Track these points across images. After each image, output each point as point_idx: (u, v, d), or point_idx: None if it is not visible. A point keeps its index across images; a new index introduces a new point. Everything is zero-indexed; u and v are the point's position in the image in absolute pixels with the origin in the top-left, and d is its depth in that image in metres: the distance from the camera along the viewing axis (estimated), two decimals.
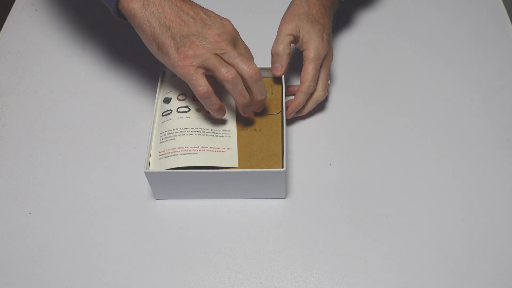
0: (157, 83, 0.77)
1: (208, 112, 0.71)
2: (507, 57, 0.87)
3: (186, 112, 0.71)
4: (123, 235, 0.71)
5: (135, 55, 0.89)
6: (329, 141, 0.79)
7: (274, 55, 0.76)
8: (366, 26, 0.92)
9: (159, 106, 0.73)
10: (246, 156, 0.70)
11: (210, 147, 0.69)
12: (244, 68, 0.67)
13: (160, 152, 0.69)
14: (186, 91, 0.73)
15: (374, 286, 0.66)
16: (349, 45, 0.89)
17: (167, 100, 0.73)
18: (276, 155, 0.70)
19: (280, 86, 0.77)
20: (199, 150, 0.68)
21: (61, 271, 0.68)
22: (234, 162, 0.69)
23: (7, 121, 0.83)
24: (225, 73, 0.65)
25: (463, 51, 0.89)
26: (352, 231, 0.70)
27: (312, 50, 0.75)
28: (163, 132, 0.70)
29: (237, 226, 0.71)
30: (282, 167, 0.68)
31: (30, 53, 0.91)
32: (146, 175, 0.69)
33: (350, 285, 0.66)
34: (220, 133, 0.71)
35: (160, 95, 0.75)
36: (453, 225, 0.70)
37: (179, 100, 0.72)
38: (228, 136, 0.71)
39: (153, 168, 0.68)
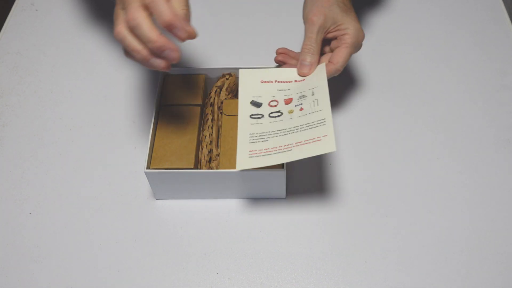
0: (157, 83, 0.77)
1: (301, 110, 0.69)
2: (507, 57, 0.87)
3: (278, 116, 0.70)
4: (123, 235, 0.71)
5: None
6: None
7: (305, 53, 0.73)
8: (365, 26, 0.92)
9: (245, 107, 0.71)
10: None
11: (305, 140, 0.66)
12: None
13: (250, 151, 0.66)
14: (277, 97, 0.72)
15: (374, 286, 0.66)
16: None
17: (257, 104, 0.71)
18: None
19: None
20: (293, 146, 0.66)
21: (61, 271, 0.68)
22: (332, 146, 0.64)
23: (7, 121, 0.83)
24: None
25: (463, 51, 0.89)
26: (352, 231, 0.70)
27: (352, 35, 0.72)
28: (253, 134, 0.68)
29: (237, 226, 0.71)
30: (282, 167, 0.68)
31: (30, 53, 0.91)
32: (146, 175, 0.69)
33: (350, 285, 0.66)
34: (314, 125, 0.67)
35: (243, 95, 0.72)
36: (454, 225, 0.70)
37: (271, 106, 0.71)
38: (323, 124, 0.67)
39: (241, 164, 0.65)
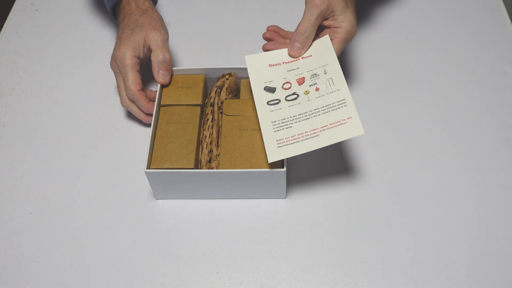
0: (158, 83, 0.77)
1: (317, 90, 0.69)
2: (508, 57, 0.87)
3: (295, 99, 0.69)
4: (123, 235, 0.71)
5: None
6: None
7: (300, 35, 0.72)
8: (366, 25, 0.92)
9: (260, 94, 0.71)
10: (246, 156, 0.70)
11: (330, 124, 0.66)
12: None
13: (277, 140, 0.66)
14: (289, 79, 0.71)
15: (374, 286, 0.66)
16: (350, 45, 0.89)
17: (271, 90, 0.71)
18: None
19: None
20: (320, 131, 0.66)
21: (61, 271, 0.68)
22: (359, 130, 0.65)
23: (7, 121, 0.83)
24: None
25: (463, 51, 0.89)
26: (352, 231, 0.70)
27: (345, 31, 0.73)
28: (275, 121, 0.68)
29: (237, 226, 0.71)
30: (282, 167, 0.68)
31: (30, 53, 0.91)
32: (146, 175, 0.69)
33: (350, 285, 0.66)
34: (335, 106, 0.67)
35: (255, 82, 0.72)
36: (454, 225, 0.70)
37: (285, 89, 0.71)
38: (344, 105, 0.67)
39: (272, 156, 0.65)
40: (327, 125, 0.66)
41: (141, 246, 0.70)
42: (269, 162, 0.65)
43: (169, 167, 0.69)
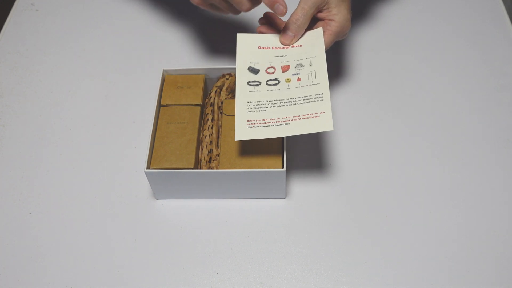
0: (158, 83, 0.77)
1: (298, 80, 0.69)
2: (507, 57, 0.87)
3: (275, 84, 0.70)
4: (123, 235, 0.71)
5: (135, 55, 0.89)
6: (329, 141, 0.79)
7: (292, 23, 0.72)
8: (363, 25, 0.92)
9: (242, 73, 0.71)
10: (246, 156, 0.70)
11: (302, 115, 0.66)
12: None
13: (248, 120, 0.67)
14: (274, 64, 0.72)
15: (374, 286, 0.66)
16: (348, 45, 0.89)
17: (254, 71, 0.71)
18: (276, 155, 0.70)
19: None
20: (291, 120, 0.66)
21: (61, 271, 0.68)
22: (329, 125, 0.65)
23: (7, 121, 0.83)
24: None
25: (463, 51, 0.89)
26: (352, 231, 0.70)
27: (338, 24, 0.72)
28: (251, 102, 0.69)
29: (237, 226, 0.71)
30: (282, 167, 0.68)
31: (30, 53, 0.91)
32: (146, 175, 0.69)
33: (350, 285, 0.66)
34: (312, 99, 0.68)
35: (241, 61, 0.73)
36: (453, 225, 0.70)
37: (268, 73, 0.71)
38: (321, 100, 0.67)
39: (240, 135, 0.66)
40: (299, 116, 0.67)
41: (141, 246, 0.70)
42: (235, 139, 0.66)
43: (169, 167, 0.69)
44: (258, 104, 0.68)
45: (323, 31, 0.73)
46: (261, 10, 0.76)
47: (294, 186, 0.74)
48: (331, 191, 0.74)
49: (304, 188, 0.74)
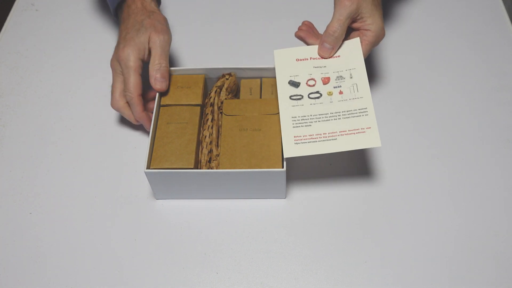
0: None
1: (340, 93, 0.70)
2: (507, 57, 0.87)
3: (318, 98, 0.70)
4: (123, 235, 0.71)
5: None
6: None
7: (329, 35, 0.72)
8: None
9: (283, 87, 0.71)
10: (246, 156, 0.70)
11: (349, 130, 0.67)
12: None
13: (295, 136, 0.68)
14: (314, 76, 0.72)
15: (374, 286, 0.66)
16: None
17: (295, 84, 0.71)
18: (276, 155, 0.70)
19: None
20: (338, 135, 0.67)
21: (61, 271, 0.68)
22: (376, 141, 0.66)
23: (7, 121, 0.83)
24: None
25: (463, 51, 0.89)
26: (352, 231, 0.70)
27: (374, 34, 0.73)
28: (295, 117, 0.69)
29: (237, 226, 0.71)
30: (282, 167, 0.68)
31: (30, 53, 0.91)
32: (146, 175, 0.69)
33: (350, 285, 0.66)
34: (356, 113, 0.68)
35: (281, 75, 0.73)
36: (453, 225, 0.70)
37: (309, 85, 0.71)
38: (365, 115, 0.68)
39: (288, 152, 0.66)
40: (345, 131, 0.67)
41: (141, 246, 0.70)
42: (285, 157, 0.67)
43: (169, 167, 0.69)
44: (303, 119, 0.69)
45: (361, 42, 0.73)
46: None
47: (294, 186, 0.74)
48: (331, 191, 0.74)
49: (304, 188, 0.74)
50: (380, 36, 0.74)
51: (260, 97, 0.77)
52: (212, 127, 0.74)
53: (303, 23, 0.77)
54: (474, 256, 0.67)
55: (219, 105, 0.76)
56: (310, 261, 0.68)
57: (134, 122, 0.77)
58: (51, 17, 0.96)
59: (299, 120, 0.69)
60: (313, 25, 0.77)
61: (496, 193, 0.73)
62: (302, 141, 0.67)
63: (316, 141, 0.67)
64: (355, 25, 0.74)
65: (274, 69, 0.77)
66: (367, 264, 0.67)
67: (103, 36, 0.93)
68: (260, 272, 0.67)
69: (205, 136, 0.73)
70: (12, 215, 0.73)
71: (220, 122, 0.75)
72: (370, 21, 0.72)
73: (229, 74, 0.78)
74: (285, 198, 0.73)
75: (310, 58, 0.74)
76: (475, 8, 0.94)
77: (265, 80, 0.79)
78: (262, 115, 0.73)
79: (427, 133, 0.79)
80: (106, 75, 0.86)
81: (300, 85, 0.72)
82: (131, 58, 0.73)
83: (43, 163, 0.78)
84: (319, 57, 0.74)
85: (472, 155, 0.76)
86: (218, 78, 0.79)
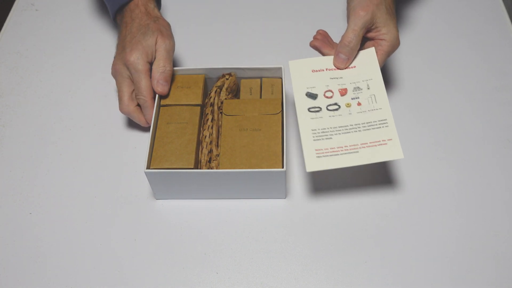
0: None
1: (359, 105, 0.70)
2: (507, 57, 0.87)
3: (336, 109, 0.70)
4: (123, 235, 0.71)
5: None
6: None
7: (345, 46, 0.72)
8: None
9: (301, 99, 0.71)
10: (246, 156, 0.70)
11: (370, 142, 0.67)
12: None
13: (316, 150, 0.67)
14: (331, 87, 0.72)
15: (374, 286, 0.66)
16: None
17: (312, 96, 0.71)
18: (276, 155, 0.70)
19: (280, 87, 0.77)
20: (360, 148, 0.67)
21: (61, 271, 0.68)
22: (399, 153, 0.66)
23: (7, 121, 0.83)
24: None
25: (463, 51, 0.89)
26: (352, 231, 0.70)
27: (389, 44, 0.73)
28: (315, 130, 0.68)
29: (237, 226, 0.71)
30: (282, 167, 0.68)
31: (30, 53, 0.91)
32: (146, 175, 0.69)
33: (350, 285, 0.66)
34: (376, 125, 0.68)
35: (297, 87, 0.72)
36: (454, 225, 0.70)
37: (327, 97, 0.71)
38: (386, 126, 0.68)
39: (311, 166, 0.66)
40: (367, 143, 0.67)
41: (141, 246, 0.70)
42: (307, 171, 0.66)
43: (169, 167, 0.69)
44: (323, 132, 0.68)
45: (376, 52, 0.73)
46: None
47: (294, 186, 0.74)
48: (331, 191, 0.74)
49: (304, 188, 0.74)
50: (395, 46, 0.74)
51: (260, 97, 0.77)
52: (212, 127, 0.74)
53: (318, 32, 0.77)
54: (475, 256, 0.67)
55: (219, 105, 0.76)
56: (310, 261, 0.68)
57: (144, 125, 0.77)
58: (51, 17, 0.96)
59: (319, 132, 0.68)
60: (327, 34, 0.77)
61: (497, 193, 0.73)
62: (324, 154, 0.67)
63: (338, 154, 0.67)
64: (369, 34, 0.74)
65: (274, 69, 0.77)
66: (367, 264, 0.67)
67: (103, 36, 0.93)
68: (260, 272, 0.67)
69: (205, 136, 0.73)
70: (12, 215, 0.73)
71: (220, 122, 0.75)
72: (385, 30, 0.72)
73: (229, 74, 0.78)
74: (285, 198, 0.73)
75: (326, 69, 0.73)
76: (475, 8, 0.94)
77: (265, 80, 0.79)
78: (262, 115, 0.73)
79: (427, 133, 0.79)
80: (106, 75, 0.86)
81: (318, 96, 0.71)
82: (140, 62, 0.74)
83: (43, 163, 0.78)
84: (335, 68, 0.73)
85: (472, 155, 0.76)
86: (218, 78, 0.79)
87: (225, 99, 0.76)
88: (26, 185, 0.76)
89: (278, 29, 0.92)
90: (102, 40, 0.92)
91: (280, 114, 0.73)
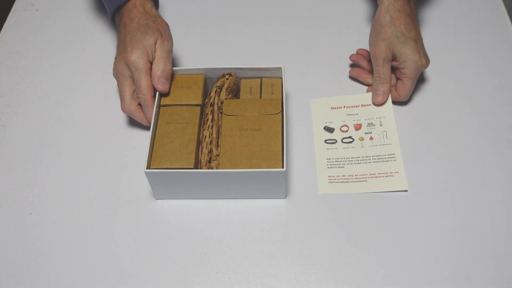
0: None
1: (371, 139, 0.77)
2: (507, 57, 0.87)
3: (350, 142, 0.77)
4: (123, 235, 0.71)
5: None
6: None
7: (379, 83, 0.79)
8: (364, 25, 0.92)
9: (319, 132, 0.79)
10: (246, 156, 0.70)
11: (378, 173, 0.74)
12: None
13: (329, 176, 0.74)
14: (347, 122, 0.79)
15: (374, 286, 0.66)
16: (348, 45, 0.89)
17: (329, 130, 0.79)
18: (276, 155, 0.70)
19: (280, 87, 0.78)
20: (368, 178, 0.73)
21: (61, 271, 0.68)
22: (403, 185, 0.73)
23: (7, 121, 0.83)
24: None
25: (463, 50, 0.89)
26: (352, 231, 0.70)
27: (411, 69, 0.77)
28: (330, 159, 0.76)
29: (237, 226, 0.71)
30: (282, 167, 0.68)
31: (30, 53, 0.91)
32: (146, 175, 0.69)
33: (350, 285, 0.66)
34: (385, 158, 0.75)
35: (317, 121, 0.80)
36: (453, 225, 0.70)
37: (343, 131, 0.78)
38: (393, 160, 0.75)
39: (323, 189, 0.73)
40: (375, 174, 0.74)
41: (141, 246, 0.70)
42: (320, 193, 0.73)
43: (169, 167, 0.69)
44: (337, 161, 0.76)
45: (402, 79, 0.79)
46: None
47: (294, 186, 0.74)
48: (331, 191, 0.73)
49: (304, 188, 0.74)
50: (418, 68, 0.78)
51: (260, 97, 0.77)
52: (212, 127, 0.74)
53: (357, 51, 0.85)
54: (474, 256, 0.67)
55: (219, 105, 0.76)
56: (310, 261, 0.68)
57: (145, 124, 0.78)
58: (51, 17, 0.96)
59: (333, 161, 0.75)
60: (367, 52, 0.83)
61: (497, 193, 0.73)
62: (336, 180, 0.74)
63: (348, 182, 0.73)
64: (394, 63, 0.79)
65: (274, 69, 0.77)
66: (367, 264, 0.67)
67: (103, 36, 0.93)
68: (260, 272, 0.67)
69: (205, 136, 0.73)
70: (12, 215, 0.73)
71: (220, 122, 0.75)
72: (403, 59, 0.77)
73: (229, 74, 0.78)
74: (285, 198, 0.73)
75: (344, 107, 0.81)
76: (475, 8, 0.94)
77: (265, 80, 0.79)
78: (262, 115, 0.73)
79: (427, 132, 0.79)
80: (106, 75, 0.86)
81: (334, 130, 0.79)
82: (141, 61, 0.74)
83: (43, 163, 0.78)
84: (351, 105, 0.81)
85: (472, 155, 0.76)
86: (218, 78, 0.79)
87: (225, 99, 0.76)
88: (26, 185, 0.76)
89: (278, 29, 0.92)
90: (102, 40, 0.92)
91: (280, 114, 0.74)
